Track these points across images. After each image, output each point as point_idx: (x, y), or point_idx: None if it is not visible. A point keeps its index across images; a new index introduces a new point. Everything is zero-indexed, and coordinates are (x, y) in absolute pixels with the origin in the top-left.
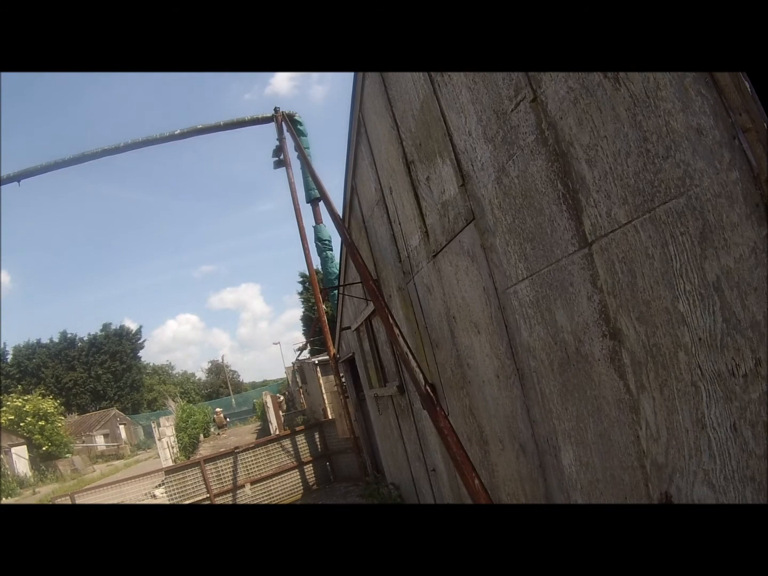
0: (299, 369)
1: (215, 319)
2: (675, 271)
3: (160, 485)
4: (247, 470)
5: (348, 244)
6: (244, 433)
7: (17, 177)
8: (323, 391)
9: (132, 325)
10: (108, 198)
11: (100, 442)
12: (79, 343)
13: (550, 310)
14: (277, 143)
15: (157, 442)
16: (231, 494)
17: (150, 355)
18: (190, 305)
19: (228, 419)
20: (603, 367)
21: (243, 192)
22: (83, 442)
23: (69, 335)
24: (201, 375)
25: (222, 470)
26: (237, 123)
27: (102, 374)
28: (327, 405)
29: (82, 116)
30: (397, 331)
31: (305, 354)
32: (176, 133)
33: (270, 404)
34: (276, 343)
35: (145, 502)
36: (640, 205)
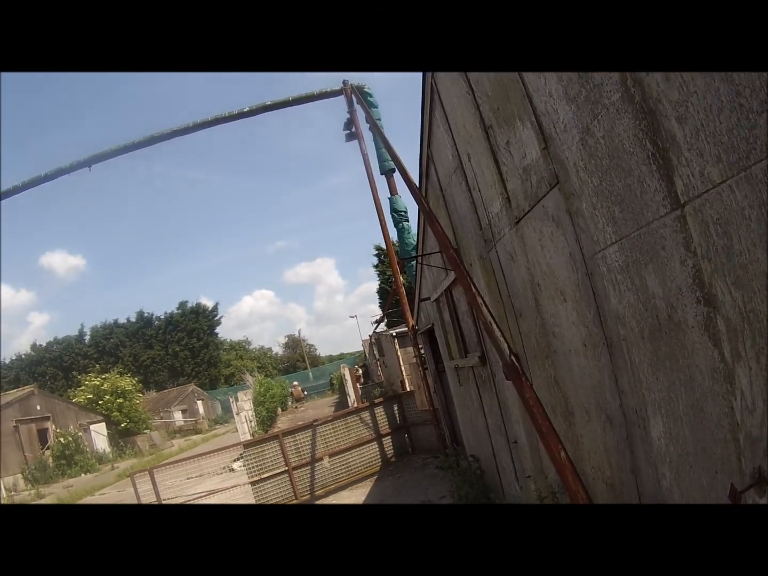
0: (377, 341)
1: (291, 294)
2: None
3: (237, 459)
4: (326, 443)
5: (426, 213)
6: (322, 406)
7: (88, 162)
8: (401, 363)
9: (208, 303)
10: (180, 179)
11: (178, 417)
12: (156, 322)
13: (641, 275)
14: (348, 116)
15: (235, 416)
16: (309, 467)
17: (227, 331)
18: (266, 281)
19: (305, 392)
20: (696, 335)
21: (314, 166)
22: (161, 417)
23: (146, 315)
24: (278, 349)
25: (300, 443)
26: (306, 98)
27: (179, 351)
28: (405, 377)
29: (146, 100)
30: (480, 300)
31: (382, 326)
32: (245, 110)
33: (348, 377)
34: (353, 316)
35: (223, 475)
36: (735, 163)
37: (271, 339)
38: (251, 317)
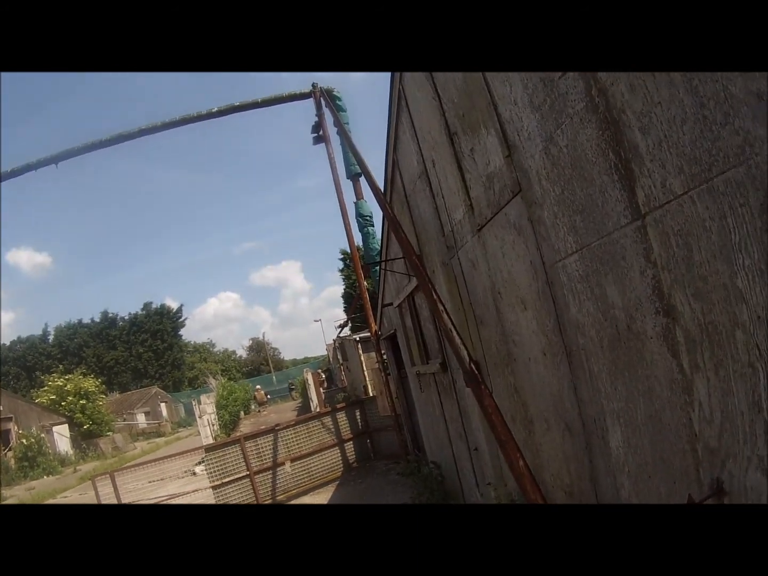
0: (340, 346)
1: (256, 297)
2: (734, 245)
3: (200, 462)
4: (288, 448)
5: (390, 219)
6: (285, 410)
7: (55, 159)
8: (364, 368)
9: (173, 304)
10: (146, 178)
11: (141, 420)
12: (120, 323)
13: (601, 285)
14: (316, 119)
15: (198, 419)
16: (271, 472)
17: (191, 333)
18: (232, 283)
19: (269, 396)
20: (655, 345)
21: (282, 168)
22: (124, 420)
23: (110, 315)
24: (242, 352)
25: (262, 448)
26: (275, 99)
27: (143, 353)
28: (368, 382)
29: (119, 96)
30: (441, 307)
31: (346, 331)
32: (214, 111)
33: (311, 381)
34: (317, 320)
35: (185, 479)
36: (697, 175)
37: (235, 342)
38: (216, 319)
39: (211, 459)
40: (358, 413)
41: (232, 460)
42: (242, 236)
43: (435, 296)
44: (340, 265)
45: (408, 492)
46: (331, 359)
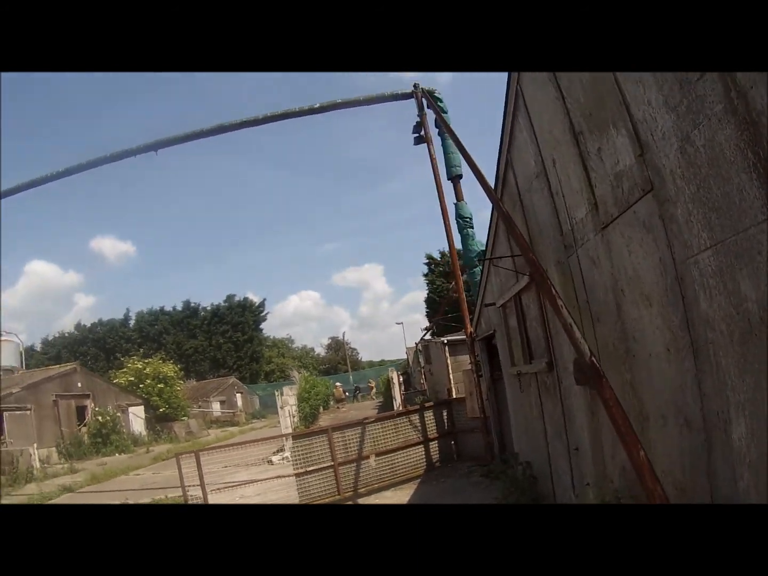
0: (425, 348)
1: (337, 297)
2: None
3: (277, 452)
4: (374, 442)
5: (504, 217)
6: (365, 408)
7: (155, 146)
8: (450, 371)
9: (255, 299)
10: (231, 173)
11: (216, 408)
12: (202, 313)
13: (735, 279)
14: (418, 119)
15: (279, 409)
16: (355, 464)
17: (271, 328)
18: (313, 282)
19: (347, 394)
20: None
21: (371, 172)
22: (200, 407)
23: (192, 304)
24: (320, 350)
25: (349, 440)
26: (377, 98)
27: (223, 343)
28: (453, 385)
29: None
30: (560, 303)
31: (428, 335)
32: (316, 106)
33: (395, 381)
34: (399, 323)
35: (261, 467)
36: None
37: (314, 340)
38: (295, 317)
39: (297, 447)
40: (444, 413)
41: (318, 449)
42: (327, 236)
43: (554, 292)
44: (424, 270)
45: (491, 493)
46: (410, 362)
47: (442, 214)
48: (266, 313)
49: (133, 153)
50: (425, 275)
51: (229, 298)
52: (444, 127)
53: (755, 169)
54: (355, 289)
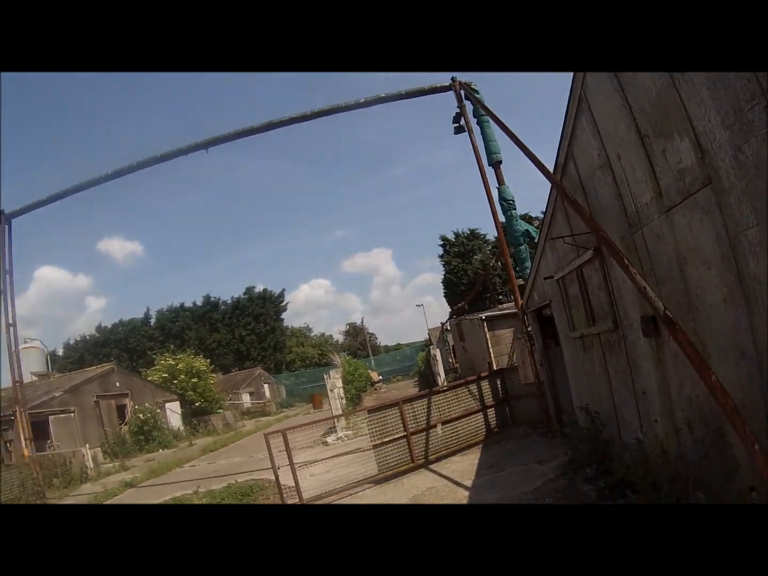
0: (456, 326)
1: (347, 284)
2: None
3: (329, 433)
4: (440, 411)
5: (570, 200)
6: (404, 387)
7: (206, 144)
8: (489, 345)
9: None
10: (229, 166)
11: (246, 399)
12: (222, 307)
13: None
14: (457, 110)
15: (329, 392)
16: (424, 433)
17: (285, 318)
18: (323, 270)
19: (380, 376)
20: None
21: (374, 157)
22: (230, 399)
23: (212, 299)
24: (338, 337)
25: (417, 411)
26: (417, 92)
27: (246, 336)
28: (493, 358)
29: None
30: (633, 270)
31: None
32: (361, 101)
33: (438, 357)
34: (419, 305)
35: (317, 448)
36: None
37: (326, 327)
38: (307, 306)
39: (372, 420)
40: (498, 382)
41: (392, 421)
42: (334, 224)
43: (627, 261)
44: (439, 252)
45: (552, 451)
46: (434, 342)
47: (488, 198)
48: (287, 303)
49: (184, 152)
50: (440, 257)
51: (249, 290)
52: (490, 117)
53: None
54: (365, 274)
